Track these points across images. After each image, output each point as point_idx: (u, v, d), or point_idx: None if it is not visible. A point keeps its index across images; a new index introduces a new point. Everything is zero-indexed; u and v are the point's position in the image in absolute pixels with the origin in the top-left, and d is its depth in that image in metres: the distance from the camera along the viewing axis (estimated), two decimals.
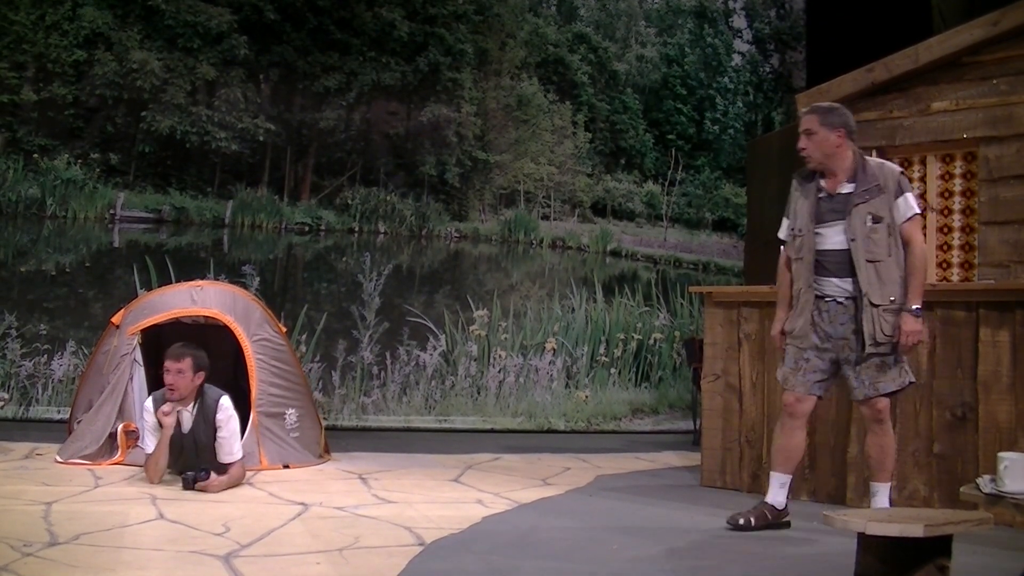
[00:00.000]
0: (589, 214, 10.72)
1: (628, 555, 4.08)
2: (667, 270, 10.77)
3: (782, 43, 11.57)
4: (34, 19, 8.89)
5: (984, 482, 3.49)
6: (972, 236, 6.31)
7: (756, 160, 9.39)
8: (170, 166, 9.33)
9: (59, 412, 7.88)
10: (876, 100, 6.60)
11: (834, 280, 4.55)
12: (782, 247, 4.83)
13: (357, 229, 9.70)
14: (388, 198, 9.81)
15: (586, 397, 9.56)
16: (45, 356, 8.24)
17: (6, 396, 8.08)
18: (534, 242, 10.38)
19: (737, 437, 5.90)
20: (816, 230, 4.59)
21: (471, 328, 9.40)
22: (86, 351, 7.88)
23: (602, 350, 9.80)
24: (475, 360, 9.32)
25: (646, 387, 9.89)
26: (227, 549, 3.86)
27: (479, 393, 9.25)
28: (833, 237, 4.55)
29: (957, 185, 6.41)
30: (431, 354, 9.21)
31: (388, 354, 9.09)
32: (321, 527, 4.37)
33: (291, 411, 6.19)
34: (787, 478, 4.71)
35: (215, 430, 5.31)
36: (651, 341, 9.98)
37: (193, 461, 5.24)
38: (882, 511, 3.97)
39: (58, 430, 6.67)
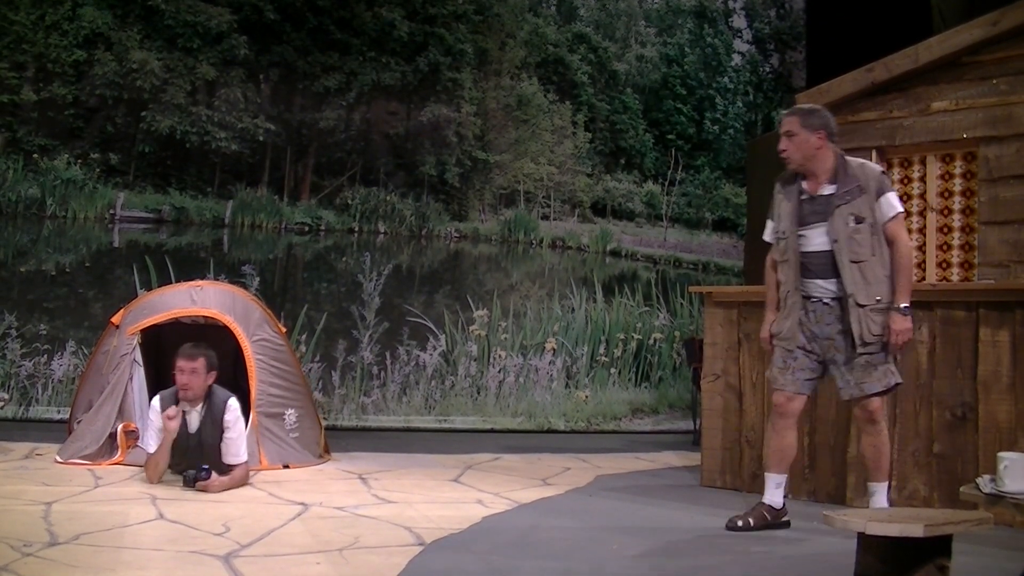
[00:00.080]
0: (589, 214, 10.72)
1: (628, 555, 4.08)
2: (667, 270, 10.77)
3: (782, 43, 11.57)
4: (34, 19, 8.89)
5: (984, 482, 3.49)
6: (972, 236, 6.31)
7: (756, 160, 9.39)
8: (170, 166, 9.33)
9: (59, 412, 7.88)
10: (876, 100, 6.60)
11: (819, 282, 4.57)
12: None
13: (357, 229, 9.70)
14: (388, 198, 9.81)
15: (586, 397, 9.56)
16: (45, 356, 8.24)
17: (6, 396, 8.08)
18: (534, 242, 10.38)
19: (737, 437, 5.90)
20: (799, 232, 4.61)
21: (471, 328, 9.40)
22: (86, 351, 7.88)
23: (602, 350, 9.80)
24: (475, 360, 9.32)
25: (646, 387, 9.89)
26: (227, 549, 3.86)
27: (479, 393, 9.25)
28: (816, 239, 4.57)
29: (957, 185, 6.41)
30: (431, 354, 9.21)
31: (388, 354, 9.09)
32: (321, 527, 4.37)
33: (291, 411, 6.19)
34: (782, 478, 4.72)
35: (222, 431, 5.31)
36: (651, 341, 9.99)
37: (198, 461, 5.23)
38: (882, 511, 3.97)
39: (58, 430, 6.67)
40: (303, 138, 9.69)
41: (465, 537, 4.29)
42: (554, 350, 9.56)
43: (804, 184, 4.63)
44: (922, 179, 6.54)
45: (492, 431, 8.93)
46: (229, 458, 5.31)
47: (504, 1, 10.41)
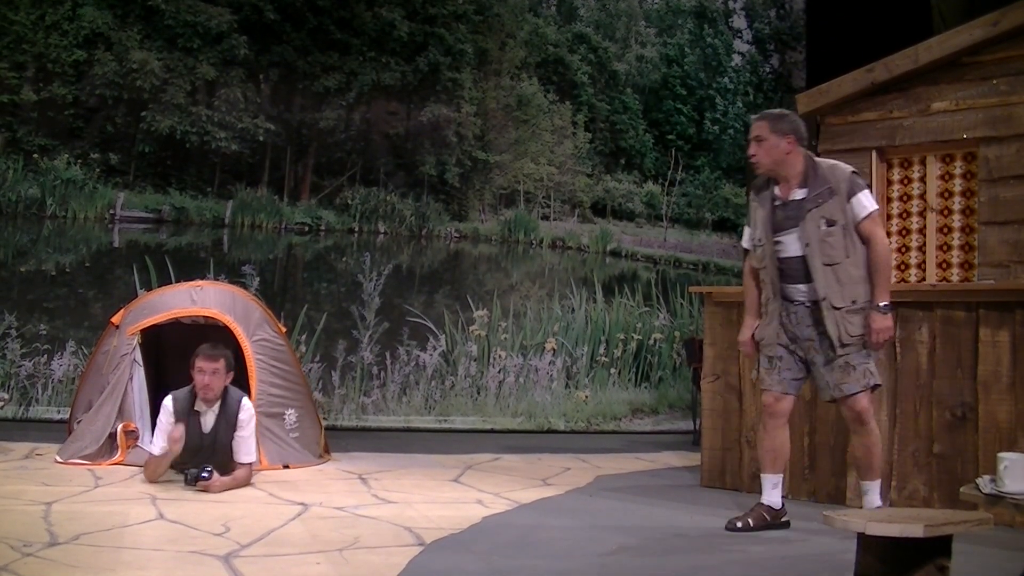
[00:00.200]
0: (589, 214, 10.72)
1: (628, 555, 4.08)
2: (667, 270, 10.76)
3: (782, 43, 11.57)
4: (34, 19, 8.88)
5: (984, 482, 3.49)
6: (972, 236, 6.32)
7: None
8: (170, 166, 9.32)
9: (59, 412, 7.88)
10: (876, 100, 6.61)
11: (798, 286, 4.60)
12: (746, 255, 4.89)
13: (357, 229, 9.70)
14: (388, 198, 9.81)
15: (586, 397, 9.56)
16: (45, 356, 8.24)
17: (6, 396, 8.08)
18: (534, 242, 10.38)
19: (737, 437, 5.90)
20: (775, 239, 4.64)
21: (471, 328, 9.40)
22: (86, 351, 7.88)
23: (602, 350, 9.80)
24: (475, 360, 9.32)
25: (646, 387, 9.89)
26: (227, 549, 3.86)
27: (479, 393, 9.25)
28: (792, 245, 4.60)
29: (957, 185, 6.41)
30: (431, 354, 9.21)
31: (388, 354, 9.09)
32: (321, 527, 4.37)
33: (291, 411, 6.19)
34: (778, 478, 4.73)
35: (235, 430, 5.31)
36: (651, 341, 9.99)
37: (209, 461, 5.23)
38: (882, 511, 3.97)
39: (58, 430, 6.67)
40: (303, 138, 9.69)
41: (465, 537, 4.29)
42: (554, 350, 9.56)
43: (776, 190, 4.65)
44: (922, 179, 6.54)
45: (492, 431, 8.93)
46: (242, 456, 5.32)
47: (504, 1, 10.41)
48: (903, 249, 6.64)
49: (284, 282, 9.79)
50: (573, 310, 9.94)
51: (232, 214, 9.38)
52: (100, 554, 3.71)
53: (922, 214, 6.54)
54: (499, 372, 9.33)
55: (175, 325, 6.27)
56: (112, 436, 5.87)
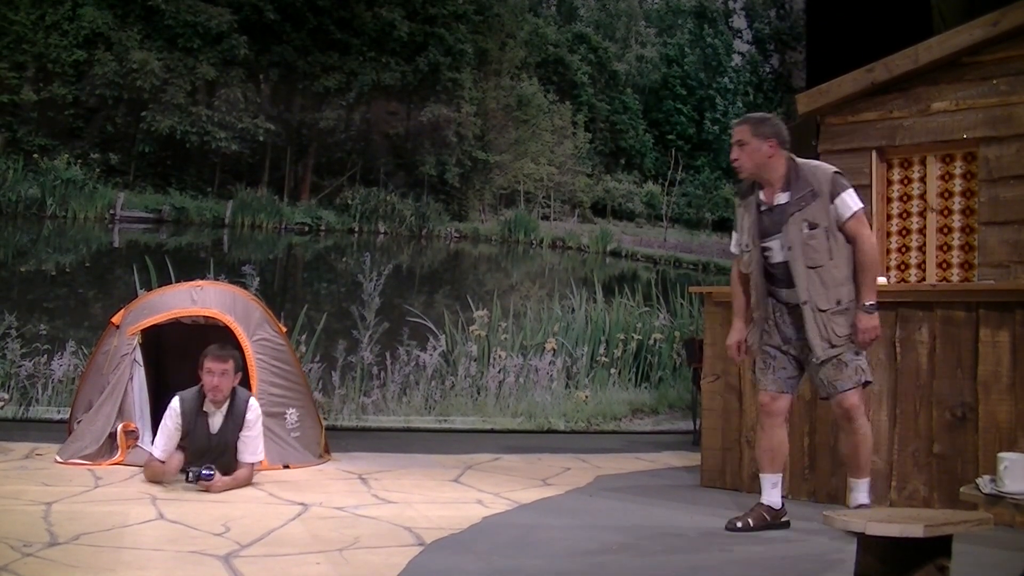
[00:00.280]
0: (589, 214, 10.72)
1: (628, 555, 4.08)
2: (667, 270, 10.77)
3: (782, 43, 11.57)
4: (34, 19, 8.89)
5: (984, 482, 3.49)
6: (972, 236, 6.32)
7: None
8: (170, 166, 9.33)
9: (59, 412, 7.88)
10: (876, 100, 6.61)
11: (787, 291, 4.61)
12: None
13: (357, 229, 9.70)
14: (388, 198, 9.81)
15: (586, 397, 9.56)
16: (45, 356, 8.24)
17: (6, 396, 8.08)
18: (534, 242, 10.38)
19: (737, 437, 5.90)
20: (762, 244, 4.65)
21: (471, 328, 9.40)
22: (86, 351, 7.88)
23: (602, 350, 9.80)
24: (475, 360, 9.32)
25: (646, 387, 9.89)
26: (227, 549, 3.86)
27: (479, 393, 9.25)
28: (779, 250, 4.61)
29: (957, 185, 6.41)
30: (431, 354, 9.21)
31: (388, 354, 9.09)
32: (321, 527, 4.37)
33: (291, 411, 6.19)
34: (777, 477, 4.73)
35: (241, 430, 5.32)
36: (651, 341, 9.99)
37: (215, 461, 5.22)
38: (882, 511, 3.97)
39: (58, 430, 6.67)
40: (303, 138, 9.69)
41: (465, 537, 4.29)
42: (554, 350, 9.56)
43: (761, 195, 4.66)
44: (922, 179, 6.54)
45: (492, 431, 8.93)
46: (248, 456, 5.32)
47: (504, 1, 10.41)
48: (903, 249, 6.64)
49: (284, 282, 9.80)
50: (573, 310, 9.94)
51: (232, 214, 9.38)
52: (100, 554, 3.72)
53: (922, 214, 6.54)
54: (499, 372, 9.33)
55: (175, 325, 6.27)
56: (112, 436, 5.86)
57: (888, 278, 6.38)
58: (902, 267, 6.64)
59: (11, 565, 3.45)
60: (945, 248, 6.45)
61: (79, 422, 6.07)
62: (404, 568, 3.69)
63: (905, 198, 6.63)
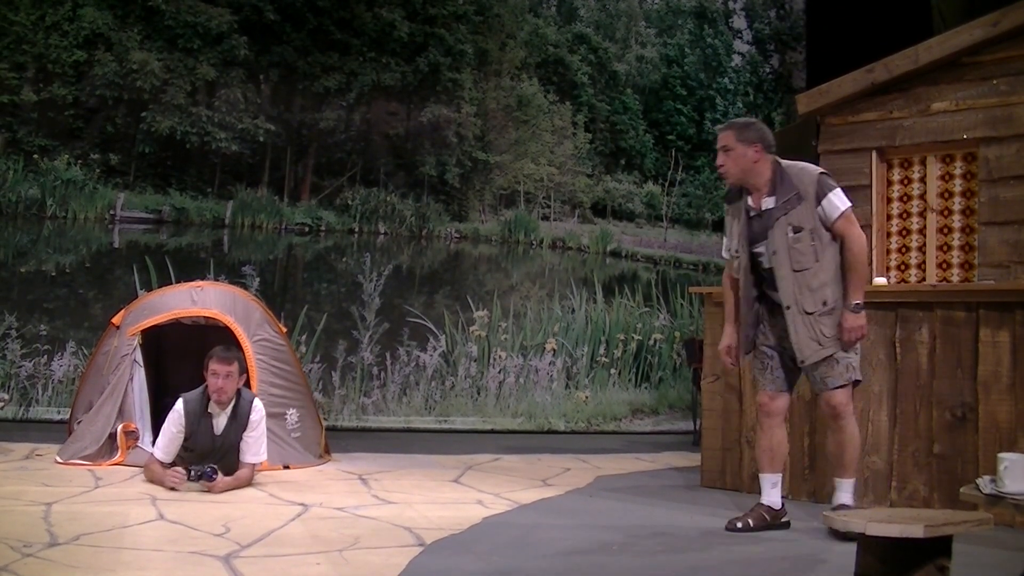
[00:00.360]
0: (589, 214, 10.72)
1: (628, 555, 4.08)
2: (667, 270, 10.77)
3: (782, 43, 11.57)
4: (34, 19, 8.89)
5: (984, 482, 3.49)
6: (972, 236, 6.31)
7: None
8: (170, 166, 9.33)
9: (59, 413, 7.88)
10: (876, 100, 6.61)
11: (777, 293, 4.62)
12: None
13: (357, 229, 9.70)
14: (388, 198, 9.82)
15: (586, 397, 9.56)
16: (45, 356, 8.24)
17: (6, 397, 8.08)
18: (534, 242, 10.38)
19: (737, 438, 5.90)
20: (753, 250, 4.67)
21: (471, 329, 9.40)
22: (86, 352, 7.88)
23: (602, 350, 9.80)
24: (475, 361, 9.32)
25: (646, 387, 9.89)
26: (227, 549, 3.86)
27: (479, 394, 9.25)
28: (768, 254, 4.61)
29: (957, 185, 6.41)
30: (431, 355, 9.21)
31: (388, 355, 9.09)
32: (321, 527, 4.37)
33: (291, 411, 6.19)
34: (777, 477, 4.74)
35: (244, 431, 5.32)
36: (651, 341, 9.99)
37: (218, 462, 5.22)
38: (882, 511, 3.97)
39: (58, 430, 6.67)
40: (303, 138, 9.69)
41: (465, 537, 4.29)
42: (554, 351, 9.56)
43: (749, 200, 4.67)
44: (922, 179, 6.54)
45: (492, 432, 8.93)
46: (251, 457, 5.33)
47: (504, 1, 10.41)
48: (903, 249, 6.64)
49: (284, 282, 9.80)
50: (573, 310, 9.94)
51: (232, 214, 9.38)
52: (100, 554, 3.72)
53: (922, 214, 6.54)
54: (499, 372, 9.33)
55: (175, 325, 6.27)
56: (112, 436, 5.87)
57: (888, 278, 6.39)
58: (902, 267, 6.64)
59: (11, 565, 3.45)
60: (945, 248, 6.45)
61: (79, 422, 6.07)
62: (404, 568, 3.69)
63: (905, 198, 6.63)
